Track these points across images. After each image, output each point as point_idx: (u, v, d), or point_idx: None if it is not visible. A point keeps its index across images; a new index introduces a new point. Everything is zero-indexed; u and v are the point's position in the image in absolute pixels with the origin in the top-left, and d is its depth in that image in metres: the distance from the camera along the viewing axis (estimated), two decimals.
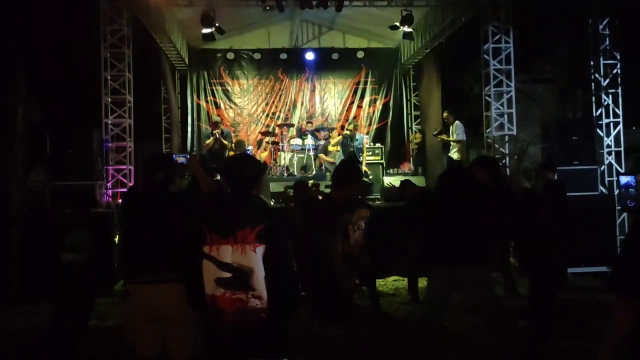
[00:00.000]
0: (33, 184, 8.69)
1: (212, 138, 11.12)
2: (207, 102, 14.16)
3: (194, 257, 2.69)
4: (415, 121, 14.44)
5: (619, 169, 9.44)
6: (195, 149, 13.56)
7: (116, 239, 7.95)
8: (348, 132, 11.16)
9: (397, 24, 10.81)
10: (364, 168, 10.88)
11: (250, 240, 2.61)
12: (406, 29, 10.80)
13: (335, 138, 11.86)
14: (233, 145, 11.29)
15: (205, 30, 10.57)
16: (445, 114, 11.20)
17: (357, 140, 11.01)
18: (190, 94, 14.10)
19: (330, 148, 11.73)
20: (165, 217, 3.24)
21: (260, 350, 2.69)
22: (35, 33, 8.69)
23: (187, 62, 13.72)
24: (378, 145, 12.89)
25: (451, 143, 10.89)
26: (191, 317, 3.12)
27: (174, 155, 10.22)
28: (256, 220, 2.64)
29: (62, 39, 10.62)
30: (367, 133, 13.96)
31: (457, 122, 10.84)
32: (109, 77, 9.40)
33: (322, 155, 11.70)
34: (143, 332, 3.26)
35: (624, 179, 4.26)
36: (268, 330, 2.66)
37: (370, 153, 11.94)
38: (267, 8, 10.73)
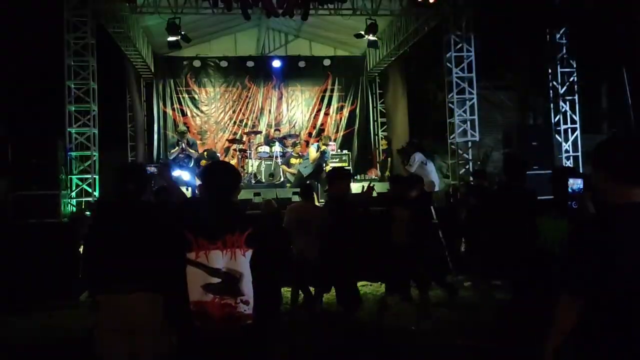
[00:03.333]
0: None
1: (177, 148, 11.10)
2: (173, 109, 14.07)
3: (176, 265, 2.63)
4: (381, 128, 14.65)
5: None
6: (162, 157, 13.45)
7: (81, 249, 7.82)
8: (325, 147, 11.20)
9: (362, 32, 10.97)
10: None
11: (240, 244, 2.61)
12: (371, 37, 10.97)
13: (298, 150, 11.93)
14: (205, 154, 11.41)
15: (171, 38, 10.53)
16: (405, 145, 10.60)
17: (326, 153, 11.13)
18: (157, 102, 13.98)
19: (293, 160, 11.82)
20: (137, 226, 3.24)
21: (244, 358, 2.66)
22: None
23: (152, 69, 13.62)
24: (345, 151, 13.05)
25: None
26: (163, 327, 3.09)
27: (144, 165, 10.15)
28: (245, 225, 2.65)
29: (25, 47, 10.45)
30: (335, 140, 14.10)
31: (416, 154, 9.79)
32: (72, 86, 9.28)
33: (284, 167, 11.79)
34: (113, 343, 3.16)
35: (572, 182, 4.37)
36: (253, 338, 2.66)
37: (337, 160, 12.14)
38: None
